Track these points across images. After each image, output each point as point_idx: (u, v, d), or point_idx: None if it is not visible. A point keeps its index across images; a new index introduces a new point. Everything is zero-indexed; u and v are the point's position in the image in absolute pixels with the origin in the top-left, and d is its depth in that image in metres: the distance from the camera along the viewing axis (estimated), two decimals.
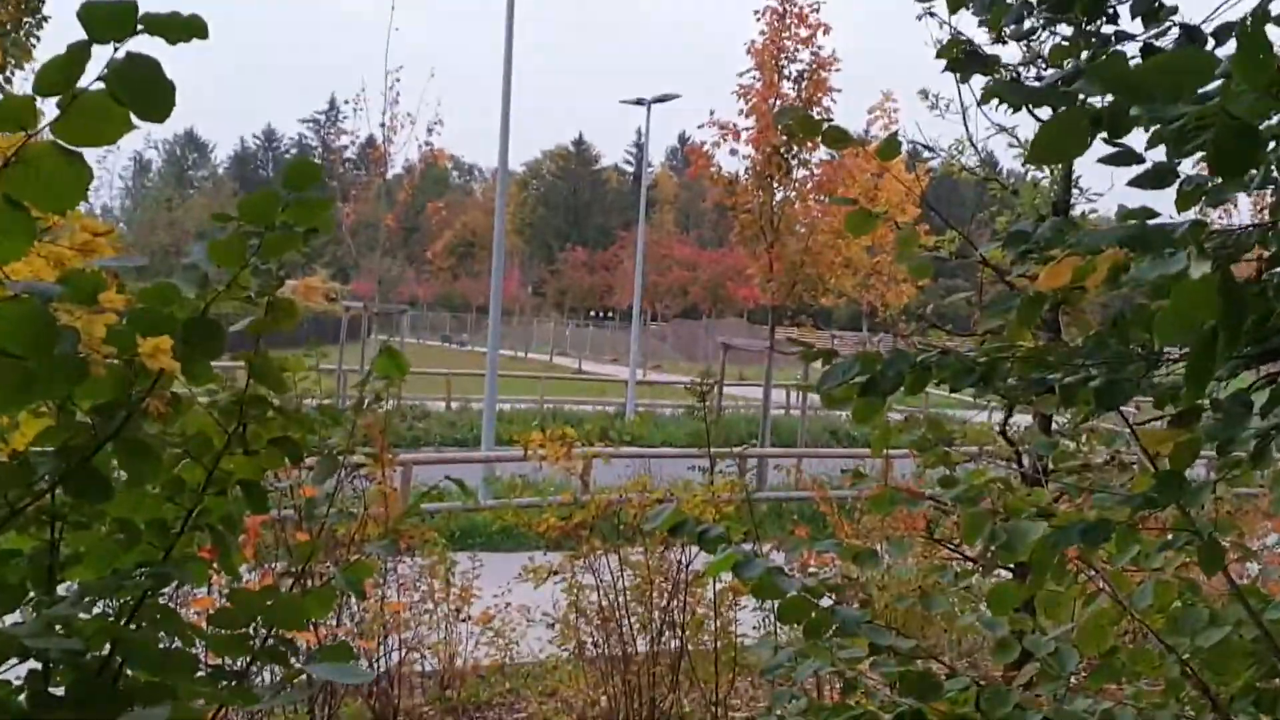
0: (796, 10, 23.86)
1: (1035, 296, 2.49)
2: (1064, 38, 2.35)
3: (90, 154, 1.59)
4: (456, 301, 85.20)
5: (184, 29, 1.50)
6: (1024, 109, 2.37)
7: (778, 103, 23.34)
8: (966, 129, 6.73)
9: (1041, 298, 2.50)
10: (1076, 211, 6.86)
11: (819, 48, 23.92)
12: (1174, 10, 2.22)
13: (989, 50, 3.24)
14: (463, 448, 26.55)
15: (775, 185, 23.85)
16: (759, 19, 24.10)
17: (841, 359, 2.39)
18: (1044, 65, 4.38)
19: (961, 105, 6.69)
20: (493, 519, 12.42)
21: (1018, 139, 6.92)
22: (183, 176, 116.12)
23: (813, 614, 2.93)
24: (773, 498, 18.12)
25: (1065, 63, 2.33)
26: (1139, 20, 2.28)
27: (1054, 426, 6.16)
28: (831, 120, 2.82)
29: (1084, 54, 2.30)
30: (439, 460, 18.96)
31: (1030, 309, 2.48)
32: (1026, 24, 2.52)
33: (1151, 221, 2.37)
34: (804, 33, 23.84)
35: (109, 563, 2.34)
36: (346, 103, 27.13)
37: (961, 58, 2.39)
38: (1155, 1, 2.26)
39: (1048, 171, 7.00)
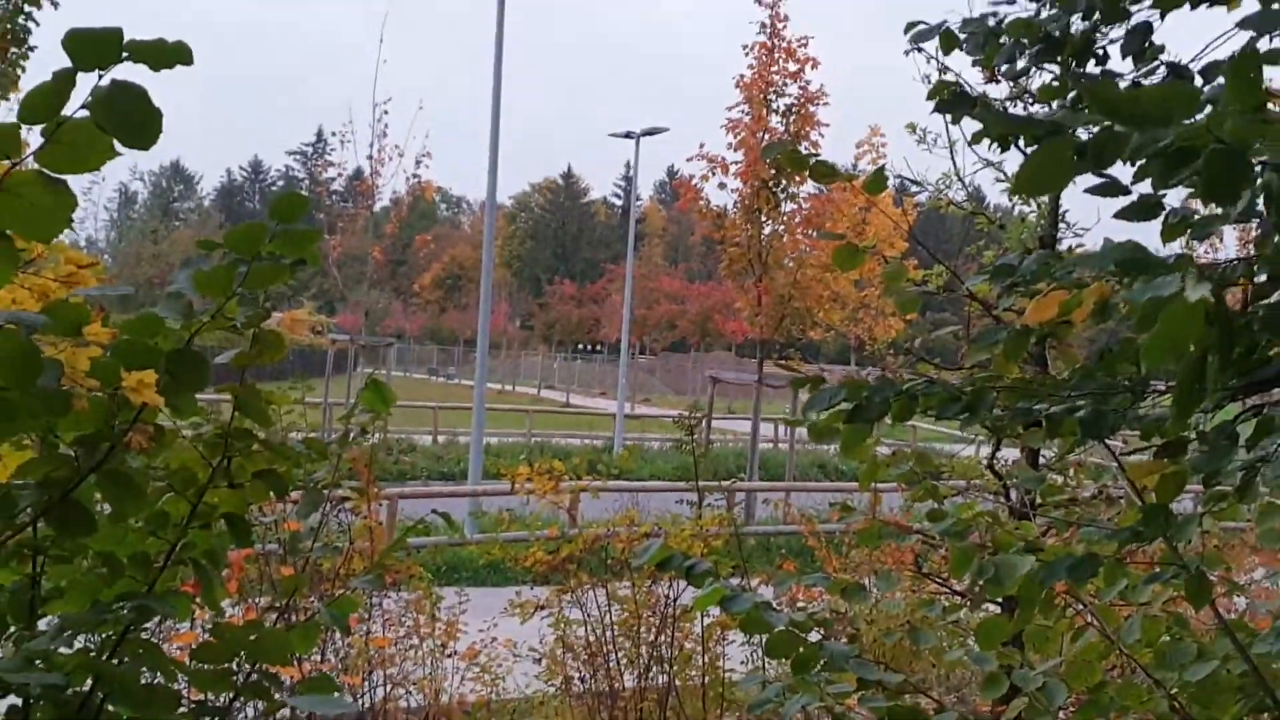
0: (785, 45, 23.98)
1: (1022, 330, 2.50)
2: (1054, 77, 2.37)
3: (76, 185, 1.59)
4: (444, 335, 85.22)
5: (169, 56, 1.50)
6: (1012, 146, 2.38)
7: (766, 136, 23.39)
8: (954, 163, 6.77)
9: (1029, 331, 2.51)
10: (1063, 245, 6.89)
11: (807, 82, 24.02)
12: (1161, 49, 2.24)
13: (981, 87, 3.27)
14: (450, 481, 26.51)
15: (763, 219, 23.89)
16: (748, 53, 24.21)
17: (828, 385, 2.40)
18: (1031, 101, 4.42)
19: (949, 140, 6.72)
20: (479, 554, 12.38)
21: (1005, 174, 6.95)
22: (168, 208, 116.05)
23: (800, 649, 2.92)
24: (761, 532, 18.11)
25: (1053, 102, 2.35)
26: (1127, 61, 2.30)
27: (1041, 460, 6.17)
28: (818, 155, 2.83)
29: (1071, 94, 2.31)
30: (425, 494, 18.92)
31: (1017, 342, 2.49)
32: (1019, 64, 2.55)
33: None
34: (792, 67, 23.95)
35: (91, 596, 2.33)
36: (334, 135, 27.16)
37: (950, 98, 2.41)
38: (1145, 41, 2.28)
39: (1035, 206, 7.03)
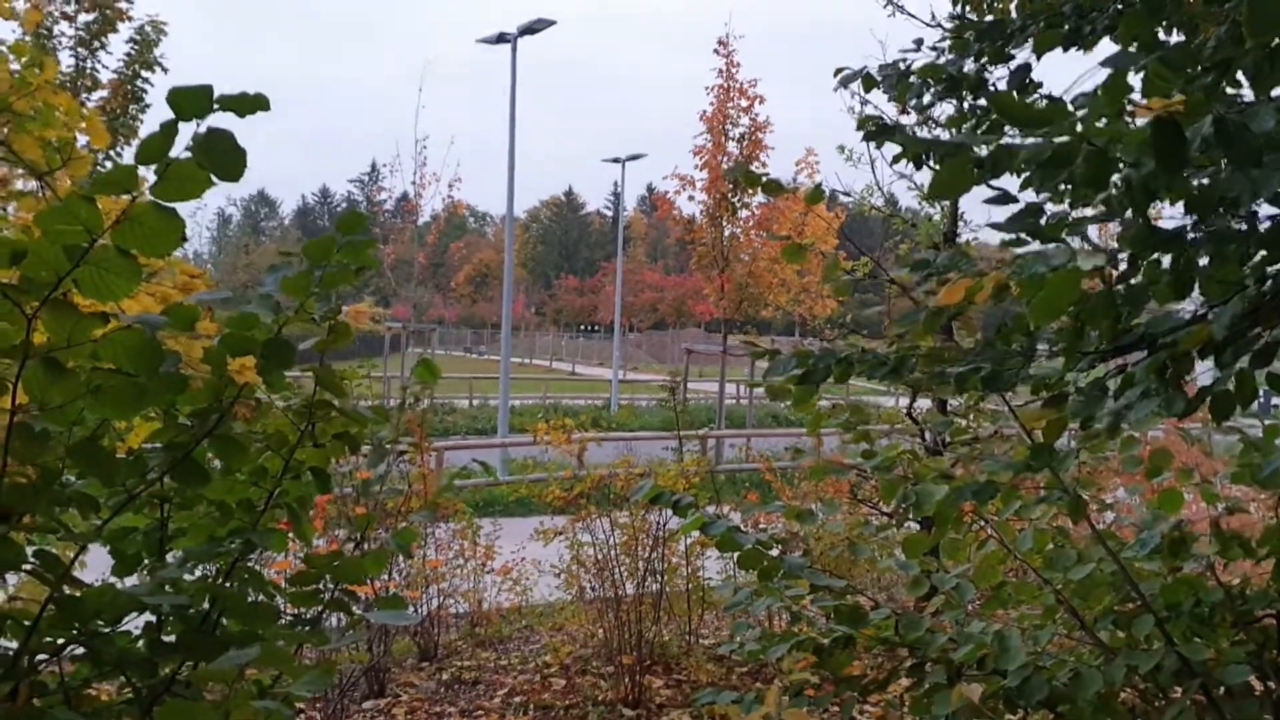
0: (738, 86, 23.98)
1: (936, 309, 2.50)
2: (955, 109, 2.36)
3: (184, 209, 1.58)
4: (475, 320, 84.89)
5: (252, 105, 1.48)
6: (924, 162, 2.38)
7: (725, 159, 23.47)
8: (875, 176, 6.79)
9: (941, 310, 2.51)
10: (962, 239, 6.90)
11: (756, 115, 24.04)
12: (1039, 85, 2.23)
13: (895, 116, 3.25)
14: (483, 435, 26.47)
15: (724, 223, 23.97)
16: (709, 93, 24.23)
17: (783, 355, 2.39)
18: (935, 127, 4.40)
19: (870, 158, 6.74)
20: (509, 492, 12.36)
21: (915, 184, 6.95)
22: (256, 227, 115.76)
23: (765, 562, 2.92)
24: (728, 470, 18.12)
25: (957, 127, 2.35)
26: (1015, 93, 2.30)
27: (949, 408, 6.18)
28: (768, 173, 2.82)
29: (969, 121, 2.31)
30: (465, 446, 18.88)
31: (932, 319, 2.49)
32: (925, 98, 2.55)
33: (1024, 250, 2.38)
34: (744, 103, 23.95)
35: (208, 534, 2.33)
36: (385, 165, 27.10)
37: (874, 129, 2.41)
38: (1025, 78, 2.28)
39: (939, 209, 7.04)
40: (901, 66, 2.83)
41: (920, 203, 7.06)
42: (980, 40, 2.29)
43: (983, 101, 2.35)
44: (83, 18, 13.32)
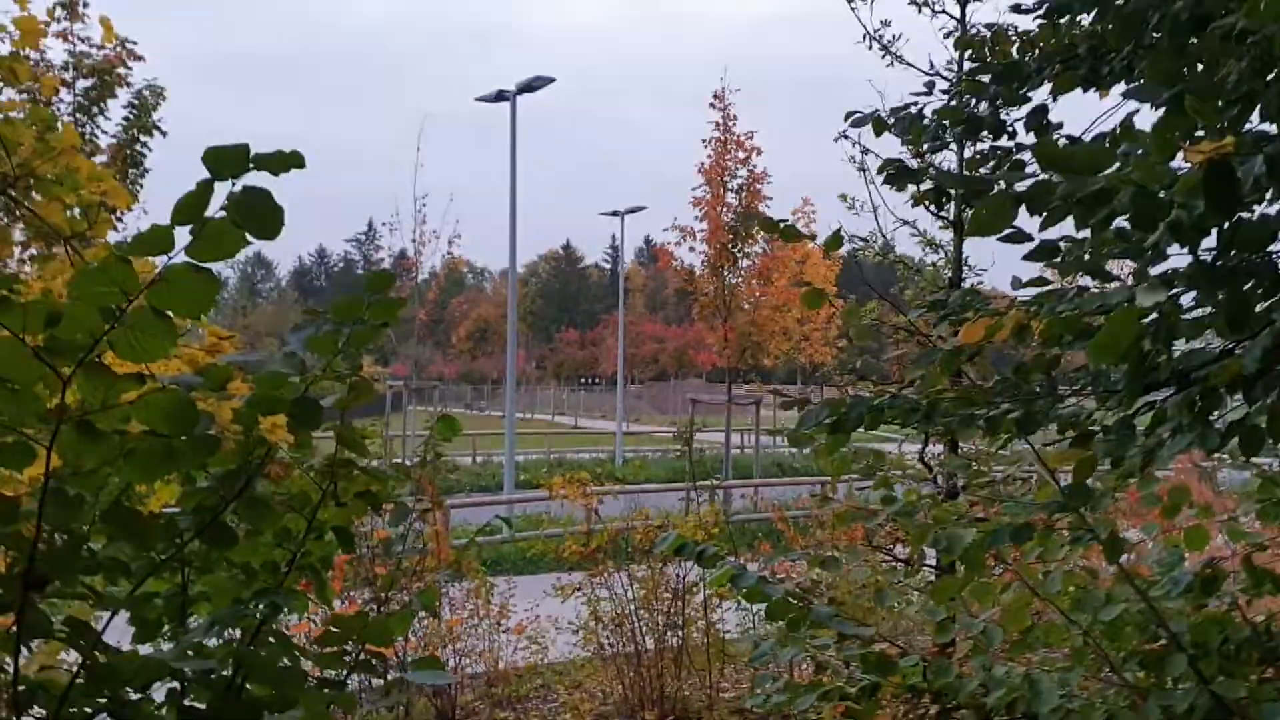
0: (735, 139, 24.23)
1: (954, 350, 2.50)
2: (976, 151, 2.39)
3: None
4: (475, 376, 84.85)
5: (287, 164, 1.50)
6: (946, 203, 2.40)
7: (724, 210, 23.68)
8: (877, 223, 6.80)
9: (959, 351, 2.51)
10: (966, 284, 6.92)
11: (753, 166, 24.30)
12: (1059, 125, 2.26)
13: (901, 158, 3.28)
14: (487, 493, 26.34)
15: (726, 273, 24.10)
16: (706, 146, 24.50)
17: (814, 405, 2.39)
18: (937, 170, 4.44)
19: (873, 206, 6.76)
20: (522, 549, 12.28)
21: (918, 230, 6.99)
22: (253, 289, 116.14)
23: (793, 613, 2.90)
24: (737, 519, 18.02)
25: (979, 169, 2.37)
26: (1031, 135, 2.32)
27: (960, 451, 6.15)
28: (788, 220, 2.84)
29: (991, 163, 2.33)
30: (471, 504, 18.79)
31: (950, 360, 2.49)
32: (942, 139, 2.57)
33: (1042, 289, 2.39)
34: (741, 155, 24.20)
35: (233, 597, 2.31)
36: (384, 224, 27.26)
37: (895, 171, 2.42)
38: (1043, 119, 2.30)
39: (942, 254, 7.07)
40: (913, 110, 2.86)
41: (923, 249, 7.10)
42: (996, 83, 2.31)
43: (1003, 141, 2.37)
44: (81, 84, 13.44)
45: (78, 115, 13.45)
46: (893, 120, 2.94)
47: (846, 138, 7.05)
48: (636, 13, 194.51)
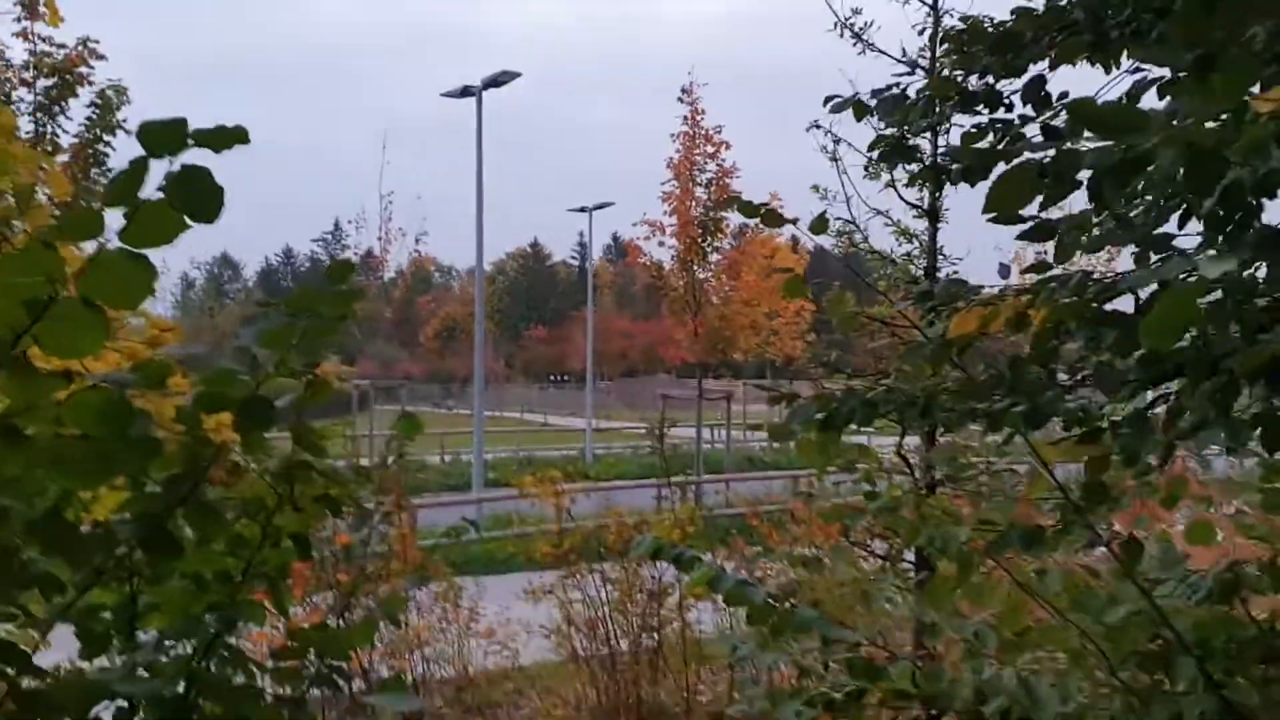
0: (704, 133, 24.16)
1: (946, 342, 2.39)
2: (973, 125, 2.26)
3: None
4: (443, 375, 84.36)
5: (229, 139, 1.36)
6: (944, 183, 2.28)
7: (693, 204, 23.62)
8: (850, 213, 6.71)
9: (952, 342, 2.40)
10: (941, 274, 6.84)
11: (722, 160, 24.25)
12: (1064, 95, 2.14)
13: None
14: (456, 492, 26.13)
15: (695, 267, 24.03)
16: (675, 140, 24.41)
17: (803, 401, 2.26)
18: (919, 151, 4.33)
19: (845, 195, 6.67)
20: (495, 549, 12.14)
21: (891, 219, 6.91)
22: (220, 290, 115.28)
23: (776, 617, 2.78)
24: (710, 515, 17.92)
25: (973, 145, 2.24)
26: (1029, 108, 2.21)
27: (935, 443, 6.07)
28: (760, 204, 2.72)
29: (989, 137, 2.21)
30: (440, 504, 18.58)
31: (942, 351, 2.38)
32: (931, 117, 2.46)
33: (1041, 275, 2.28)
34: (710, 149, 24.14)
35: (183, 610, 2.18)
36: (350, 223, 27.12)
37: (890, 148, 2.31)
38: (1041, 90, 2.19)
39: (916, 244, 6.98)
40: (895, 92, 2.75)
41: (897, 239, 7.01)
42: (991, 53, 2.20)
43: (1002, 114, 2.25)
44: (42, 83, 13.20)
45: (38, 114, 13.22)
46: (875, 103, 2.82)
47: (819, 127, 6.97)
48: (600, 11, 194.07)
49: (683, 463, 28.80)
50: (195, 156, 1.44)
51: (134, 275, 1.38)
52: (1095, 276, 2.09)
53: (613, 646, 6.34)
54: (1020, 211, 2.21)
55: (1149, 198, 1.92)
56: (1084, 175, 1.66)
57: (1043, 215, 2.09)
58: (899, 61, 5.88)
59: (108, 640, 2.13)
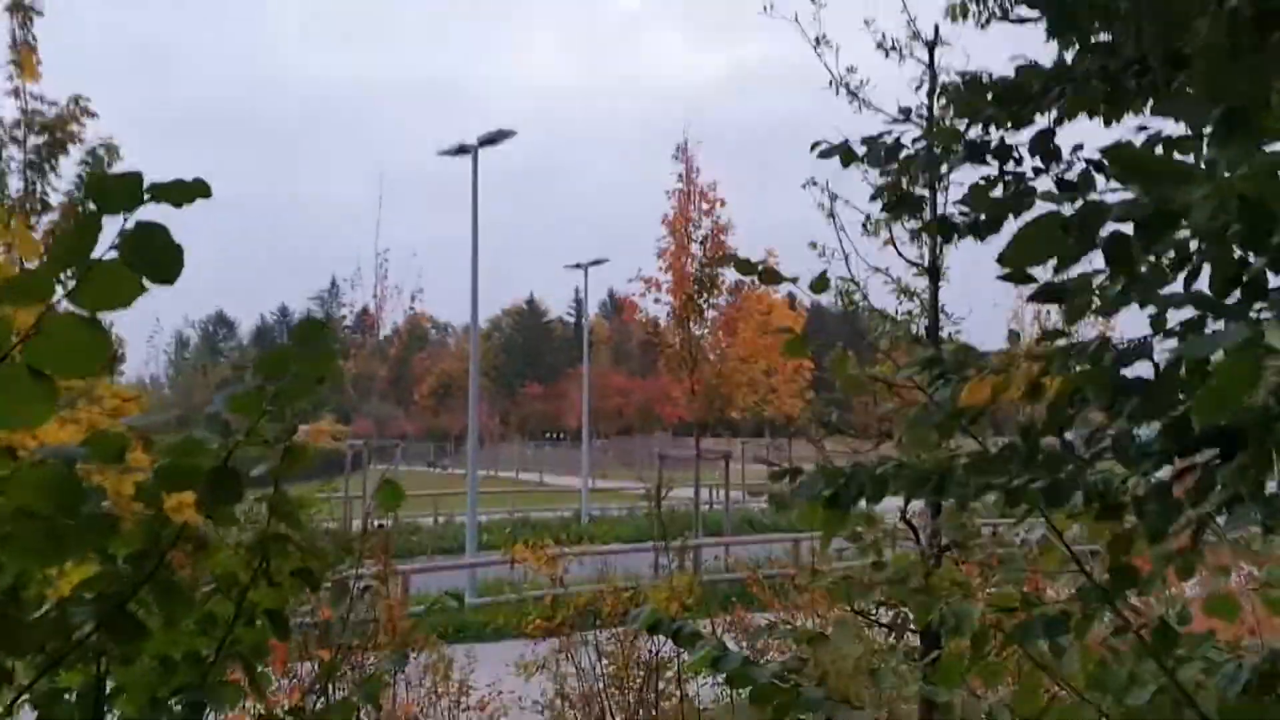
0: (699, 190, 24.26)
1: (956, 411, 2.29)
2: (982, 178, 2.17)
3: (139, 331, 1.33)
4: (438, 433, 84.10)
5: (190, 193, 1.26)
6: (953, 237, 2.19)
7: (689, 260, 23.62)
8: (849, 270, 6.62)
9: (961, 412, 2.29)
10: (943, 333, 6.75)
11: (717, 217, 24.29)
12: (1078, 147, 2.06)
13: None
14: (450, 555, 25.82)
15: (692, 324, 23.96)
16: (670, 198, 24.50)
17: (806, 475, 2.14)
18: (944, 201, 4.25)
19: (844, 253, 6.59)
20: (486, 619, 11.90)
21: (890, 277, 6.83)
22: (215, 348, 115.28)
23: (780, 698, 2.64)
24: (709, 580, 17.69)
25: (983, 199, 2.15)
26: (1039, 159, 2.12)
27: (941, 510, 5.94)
28: (767, 261, 2.63)
29: (997, 191, 2.11)
30: (432, 569, 18.32)
31: (950, 422, 2.27)
32: (941, 169, 2.37)
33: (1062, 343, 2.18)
34: (705, 206, 24.22)
35: (150, 694, 2.05)
36: (345, 280, 27.09)
37: (895, 200, 2.22)
38: (1050, 143, 2.10)
39: (917, 302, 6.90)
40: (888, 140, 2.66)
41: (897, 297, 6.93)
42: (998, 104, 2.11)
43: (1012, 168, 2.15)
44: (32, 140, 13.17)
45: (28, 172, 13.18)
46: (865, 151, 2.73)
47: (815, 184, 6.92)
48: (596, 69, 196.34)
49: (681, 524, 28.59)
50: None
51: (85, 341, 1.27)
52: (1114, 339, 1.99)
53: None
54: (1028, 270, 2.12)
55: (1156, 258, 1.82)
56: (1104, 232, 1.57)
57: (1053, 277, 2.00)
58: (895, 118, 5.84)
59: None
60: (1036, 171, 2.05)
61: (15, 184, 13.01)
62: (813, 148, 2.80)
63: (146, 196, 1.26)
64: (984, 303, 6.08)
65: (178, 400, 69.92)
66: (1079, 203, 1.32)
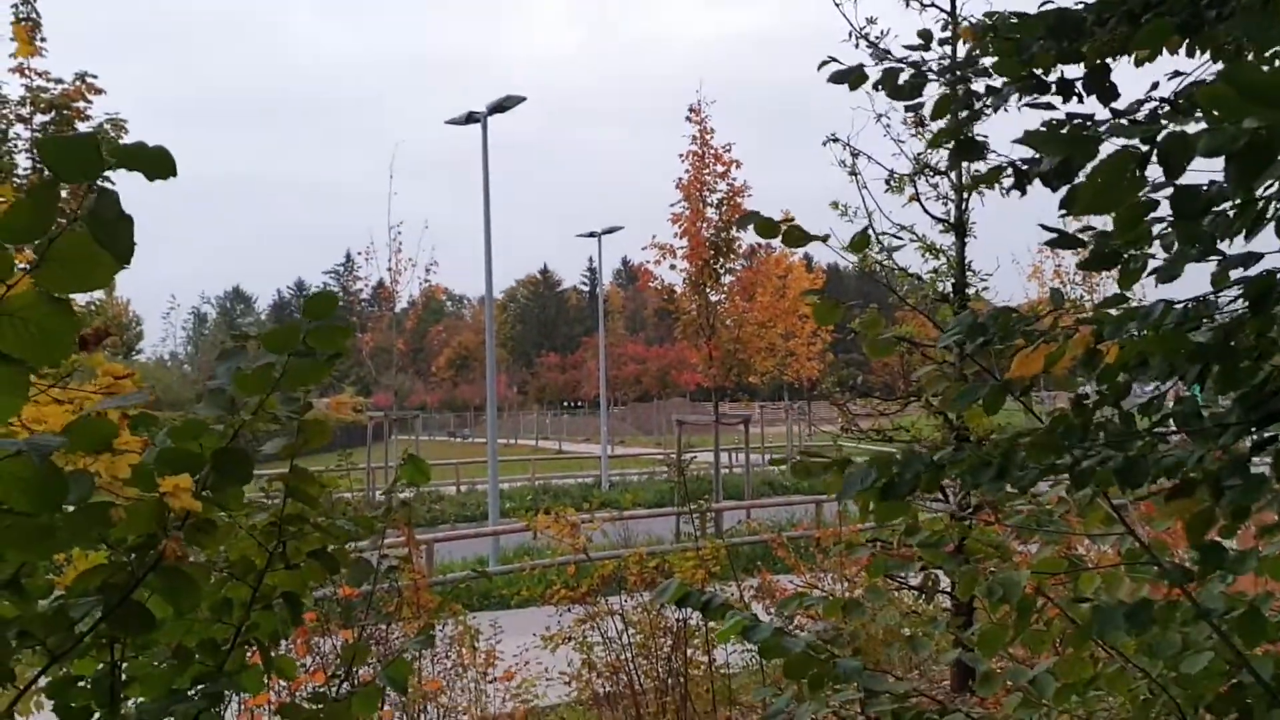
0: (713, 152, 23.91)
1: (1004, 383, 2.15)
2: (1043, 122, 2.00)
3: (156, 309, 1.19)
4: (457, 404, 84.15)
5: (155, 161, 1.11)
6: (1025, 183, 2.02)
7: (704, 226, 23.32)
8: (873, 229, 6.45)
9: (1009, 384, 2.16)
10: (970, 290, 6.59)
11: (733, 179, 23.97)
12: (1155, 85, 1.89)
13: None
14: (472, 523, 25.85)
15: (708, 290, 23.70)
16: (684, 161, 24.15)
17: (856, 466, 1.99)
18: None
19: (867, 211, 6.43)
20: (509, 589, 11.81)
21: (917, 235, 6.66)
22: (233, 324, 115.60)
23: (815, 669, 2.53)
24: (731, 543, 17.59)
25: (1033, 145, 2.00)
26: (1095, 97, 1.97)
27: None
28: (792, 220, 2.49)
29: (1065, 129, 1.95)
30: (456, 536, 18.29)
31: (998, 395, 2.14)
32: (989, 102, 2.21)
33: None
34: (720, 168, 23.88)
35: (165, 686, 1.95)
36: (360, 254, 26.97)
37: (961, 144, 2.06)
38: (1105, 80, 1.95)
39: (944, 260, 6.73)
40: (907, 67, 2.50)
41: (922, 255, 6.76)
42: (1048, 38, 1.95)
43: (1073, 107, 1.99)
44: (39, 118, 13.06)
45: (35, 151, 13.07)
46: (881, 75, 2.56)
47: (836, 140, 6.74)
48: (604, 36, 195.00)
49: (701, 488, 28.55)
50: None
51: (54, 324, 1.12)
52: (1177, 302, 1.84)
53: (635, 693, 6.03)
54: (1077, 235, 1.98)
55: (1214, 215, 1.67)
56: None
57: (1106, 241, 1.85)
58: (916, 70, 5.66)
59: (88, 715, 1.91)
60: (1113, 113, 1.88)
61: (24, 163, 12.91)
62: (821, 66, 2.62)
63: (109, 161, 1.12)
64: (1005, 258, 5.92)
65: (199, 376, 70.09)
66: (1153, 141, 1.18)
